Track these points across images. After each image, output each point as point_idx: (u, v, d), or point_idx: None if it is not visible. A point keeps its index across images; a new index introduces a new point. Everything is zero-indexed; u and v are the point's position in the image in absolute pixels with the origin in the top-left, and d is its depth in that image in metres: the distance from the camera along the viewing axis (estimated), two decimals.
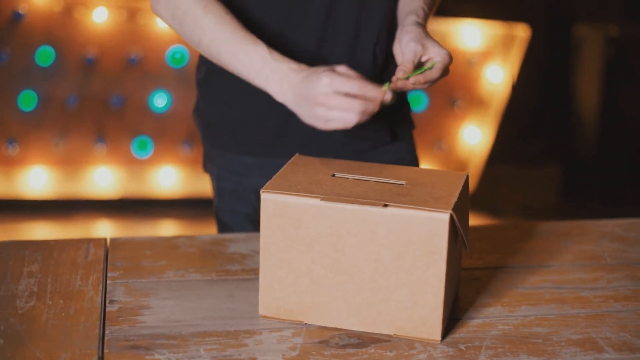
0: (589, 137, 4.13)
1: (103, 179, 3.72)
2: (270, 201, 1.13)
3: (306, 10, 1.41)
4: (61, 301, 1.19)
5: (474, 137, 3.88)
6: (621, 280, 1.32)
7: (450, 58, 1.33)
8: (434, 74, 1.31)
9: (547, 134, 4.32)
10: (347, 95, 1.27)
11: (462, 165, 3.91)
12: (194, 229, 3.66)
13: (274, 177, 1.18)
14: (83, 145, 3.67)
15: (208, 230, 3.12)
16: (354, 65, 1.39)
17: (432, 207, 1.08)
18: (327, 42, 1.43)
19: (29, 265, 1.30)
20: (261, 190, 1.13)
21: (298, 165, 1.23)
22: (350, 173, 1.20)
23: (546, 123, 4.31)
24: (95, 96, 3.63)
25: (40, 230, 3.66)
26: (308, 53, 1.42)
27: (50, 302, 1.19)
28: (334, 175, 1.20)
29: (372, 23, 1.44)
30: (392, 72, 1.37)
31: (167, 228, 3.76)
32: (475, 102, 3.85)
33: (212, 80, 1.50)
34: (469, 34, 3.79)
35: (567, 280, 1.31)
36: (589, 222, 1.56)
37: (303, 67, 1.33)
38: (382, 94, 1.28)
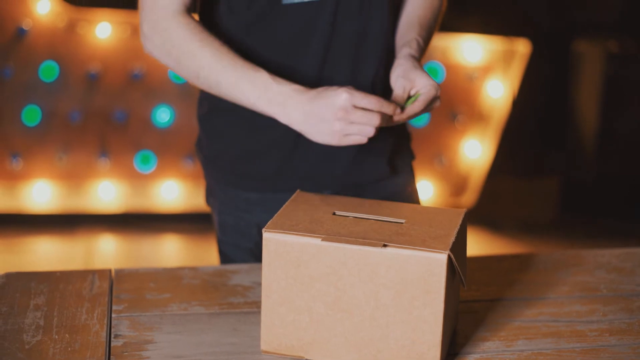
0: (589, 152, 4.15)
1: (106, 193, 3.74)
2: (272, 240, 1.15)
3: (306, 46, 1.43)
4: (67, 335, 1.22)
5: (475, 151, 3.90)
6: (617, 313, 1.34)
7: (437, 90, 1.36)
8: (415, 107, 1.35)
9: (547, 149, 4.35)
10: (364, 109, 1.30)
11: (462, 180, 3.93)
12: (196, 244, 3.69)
13: (275, 215, 1.20)
14: (86, 160, 3.70)
15: (210, 245, 3.13)
16: None
17: (430, 247, 1.11)
18: (326, 75, 1.45)
19: (35, 298, 1.33)
20: (263, 230, 1.16)
21: (299, 202, 1.26)
22: (350, 211, 1.23)
23: (546, 138, 4.33)
24: (99, 111, 3.65)
25: (44, 245, 3.69)
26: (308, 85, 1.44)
27: (57, 337, 1.21)
28: (334, 213, 1.22)
29: (370, 56, 1.46)
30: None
31: (170, 242, 3.78)
32: (475, 116, 3.87)
33: (215, 116, 1.52)
34: (470, 49, 3.82)
35: (563, 313, 1.34)
36: (586, 251, 1.58)
37: (307, 88, 1.35)
38: (395, 110, 1.31)
